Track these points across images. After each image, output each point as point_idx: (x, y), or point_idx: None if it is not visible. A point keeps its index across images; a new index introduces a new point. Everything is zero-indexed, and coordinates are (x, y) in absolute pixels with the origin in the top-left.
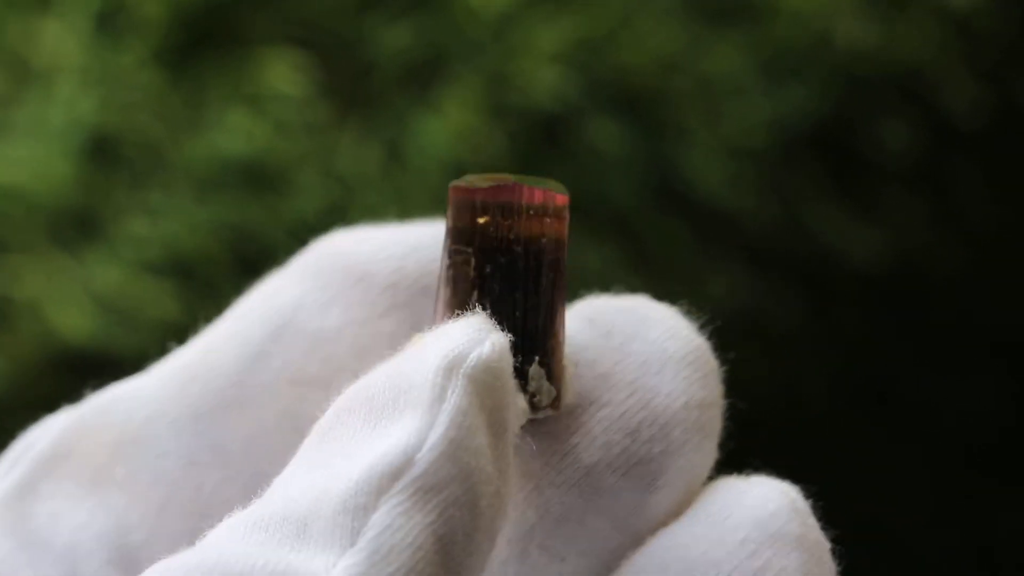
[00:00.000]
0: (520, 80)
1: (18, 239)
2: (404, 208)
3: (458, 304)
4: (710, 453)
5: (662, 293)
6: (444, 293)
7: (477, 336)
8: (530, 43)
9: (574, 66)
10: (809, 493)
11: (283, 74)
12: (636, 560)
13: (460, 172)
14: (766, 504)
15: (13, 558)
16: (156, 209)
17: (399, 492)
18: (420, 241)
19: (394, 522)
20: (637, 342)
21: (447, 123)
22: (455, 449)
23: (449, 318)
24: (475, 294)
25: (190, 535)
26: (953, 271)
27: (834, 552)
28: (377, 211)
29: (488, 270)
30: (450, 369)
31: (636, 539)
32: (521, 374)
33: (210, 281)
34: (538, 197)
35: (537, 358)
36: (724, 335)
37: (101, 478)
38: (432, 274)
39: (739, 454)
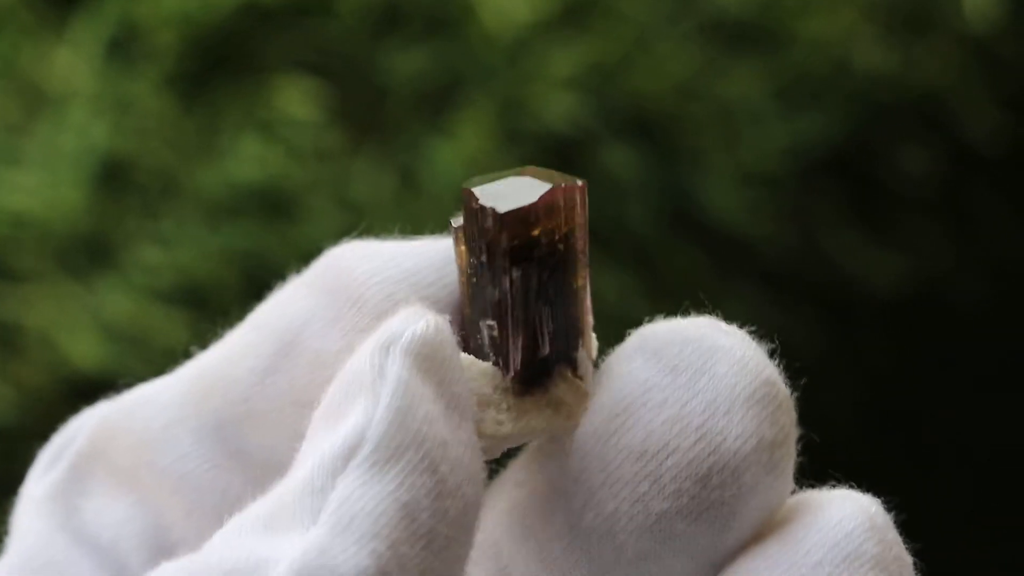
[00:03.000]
0: (534, 105)
1: (29, 266)
2: (417, 234)
3: (526, 317)
4: (784, 488)
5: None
6: (513, 315)
7: (411, 318)
8: (544, 68)
9: (589, 91)
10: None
11: (296, 100)
12: None
13: None
14: (842, 524)
15: (70, 553)
16: (168, 236)
17: (355, 468)
18: (417, 265)
19: (352, 494)
20: (704, 378)
21: (461, 148)
22: (403, 418)
23: (521, 332)
24: (539, 304)
25: None
26: (974, 297)
27: (916, 567)
28: (390, 237)
29: (546, 276)
30: (385, 347)
31: (716, 569)
32: (571, 361)
33: (222, 309)
34: (573, 192)
35: (581, 342)
36: None
37: (132, 481)
38: (426, 301)
39: None
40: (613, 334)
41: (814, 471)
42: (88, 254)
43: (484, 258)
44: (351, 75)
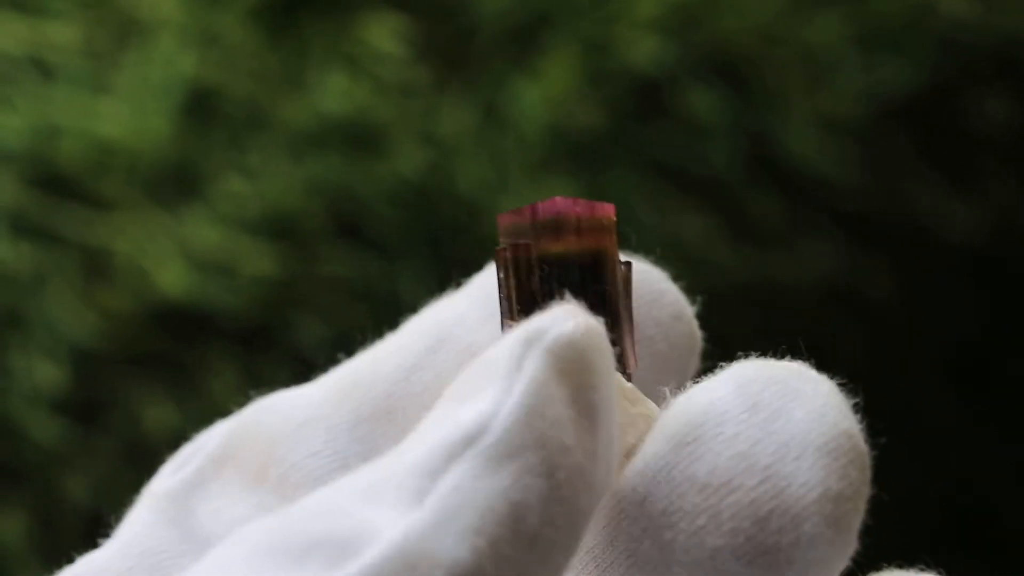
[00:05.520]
0: (619, 46)
1: (117, 194)
2: (501, 171)
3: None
4: (846, 547)
5: (757, 263)
6: (625, 306)
7: (562, 316)
8: (630, 9)
9: (673, 33)
10: (899, 467)
11: (383, 35)
12: None
13: (557, 136)
14: None
15: (176, 547)
16: (254, 167)
17: (471, 457)
18: None
19: (463, 484)
20: (781, 420)
21: (545, 87)
22: (530, 416)
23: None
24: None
25: None
26: None
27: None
28: (473, 173)
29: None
30: (528, 342)
31: None
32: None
33: (306, 240)
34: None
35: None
36: (817, 304)
37: (259, 479)
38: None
39: None
40: (692, 275)
41: (880, 409)
42: (175, 183)
43: (587, 263)
44: (437, 11)
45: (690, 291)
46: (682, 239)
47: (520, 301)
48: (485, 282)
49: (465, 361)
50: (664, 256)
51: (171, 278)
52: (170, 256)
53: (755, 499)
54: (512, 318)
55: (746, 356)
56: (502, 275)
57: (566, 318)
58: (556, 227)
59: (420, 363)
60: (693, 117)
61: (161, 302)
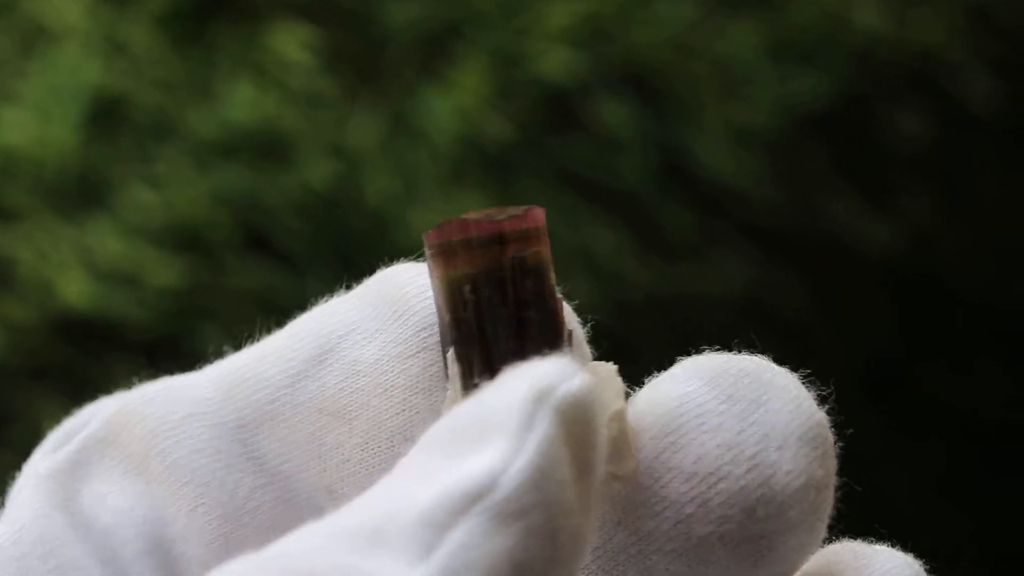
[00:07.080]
0: (530, 57)
1: (20, 204)
2: (410, 183)
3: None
4: (821, 532)
5: (669, 276)
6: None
7: (566, 372)
8: (541, 20)
9: (584, 44)
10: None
11: (292, 45)
12: None
13: (468, 147)
14: (892, 574)
15: (65, 534)
16: (160, 177)
17: (479, 513)
18: None
19: (471, 541)
20: (760, 411)
21: (456, 98)
22: (540, 477)
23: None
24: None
25: (221, 539)
26: (962, 258)
27: None
28: (382, 184)
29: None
30: (539, 399)
31: None
32: None
33: (213, 251)
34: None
35: None
36: (730, 318)
37: (141, 469)
38: None
39: None
40: (604, 288)
41: None
42: (80, 193)
43: (530, 273)
44: (347, 22)
45: (601, 304)
46: (593, 251)
47: (481, 325)
48: (375, 290)
49: (348, 376)
50: (575, 269)
51: (75, 289)
52: (74, 266)
53: (743, 487)
54: (461, 343)
55: (658, 371)
56: (466, 302)
57: (571, 375)
58: (506, 239)
59: (306, 371)
60: (604, 129)
61: (64, 313)
